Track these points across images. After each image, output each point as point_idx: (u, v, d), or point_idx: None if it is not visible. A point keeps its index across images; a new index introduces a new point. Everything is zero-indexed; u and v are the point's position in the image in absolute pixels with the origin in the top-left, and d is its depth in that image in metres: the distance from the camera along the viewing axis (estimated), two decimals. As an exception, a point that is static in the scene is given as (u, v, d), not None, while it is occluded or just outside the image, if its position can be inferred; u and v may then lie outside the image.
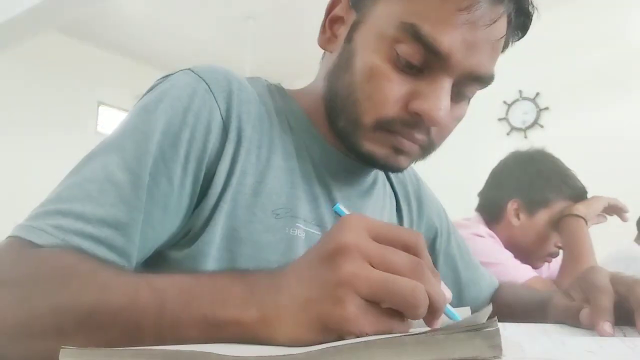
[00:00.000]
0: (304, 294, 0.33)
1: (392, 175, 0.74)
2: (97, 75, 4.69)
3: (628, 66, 3.35)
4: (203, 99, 0.52)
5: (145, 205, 0.47)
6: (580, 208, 1.19)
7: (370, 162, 0.57)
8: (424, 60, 0.51)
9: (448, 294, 0.38)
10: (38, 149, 4.22)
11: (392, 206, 0.72)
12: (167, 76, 0.55)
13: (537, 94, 3.76)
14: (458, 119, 0.57)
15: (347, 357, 0.27)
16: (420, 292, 0.32)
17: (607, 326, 0.44)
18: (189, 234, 0.52)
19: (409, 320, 0.33)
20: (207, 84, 0.53)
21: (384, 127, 0.53)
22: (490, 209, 1.30)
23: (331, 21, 0.59)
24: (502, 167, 1.33)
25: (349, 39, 0.56)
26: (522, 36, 0.57)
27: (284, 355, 0.28)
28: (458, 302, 0.75)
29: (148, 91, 0.55)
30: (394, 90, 0.52)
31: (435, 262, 0.76)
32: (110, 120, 4.77)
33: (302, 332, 0.32)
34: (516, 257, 1.24)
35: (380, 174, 0.71)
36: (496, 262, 1.12)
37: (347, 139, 0.57)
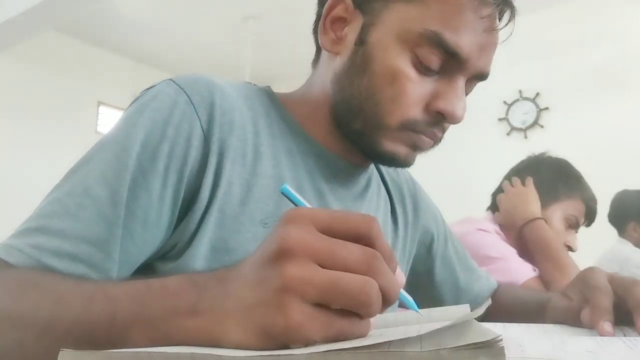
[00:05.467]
0: (247, 299, 0.31)
1: (387, 178, 0.74)
2: (97, 75, 4.69)
3: (628, 66, 3.35)
4: (183, 111, 0.51)
5: (125, 220, 0.47)
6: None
7: (389, 161, 0.59)
8: (442, 63, 0.54)
9: (401, 279, 0.35)
10: (38, 149, 4.22)
11: (387, 208, 0.72)
12: (150, 87, 0.55)
13: (537, 94, 3.76)
14: None
15: None
16: (370, 288, 0.30)
17: (607, 326, 0.44)
18: (175, 247, 0.52)
19: (368, 319, 0.32)
20: (187, 95, 0.52)
21: (409, 127, 0.55)
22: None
23: (332, 22, 0.59)
24: (516, 169, 1.33)
25: (361, 41, 0.56)
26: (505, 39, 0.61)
27: (287, 355, 0.27)
28: (456, 304, 0.75)
29: (132, 102, 0.55)
30: (417, 91, 0.54)
31: (432, 266, 0.77)
32: (110, 120, 4.77)
33: (247, 340, 0.30)
34: (526, 255, 1.25)
35: (375, 177, 0.71)
36: (499, 257, 1.12)
37: (364, 139, 0.58)
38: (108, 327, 0.34)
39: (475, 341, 0.25)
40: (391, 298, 0.31)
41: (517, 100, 3.84)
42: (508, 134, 3.86)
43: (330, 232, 0.32)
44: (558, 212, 1.24)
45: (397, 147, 0.57)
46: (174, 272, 0.50)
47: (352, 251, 0.31)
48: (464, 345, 0.25)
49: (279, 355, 0.27)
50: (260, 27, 4.15)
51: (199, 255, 0.51)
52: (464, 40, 0.52)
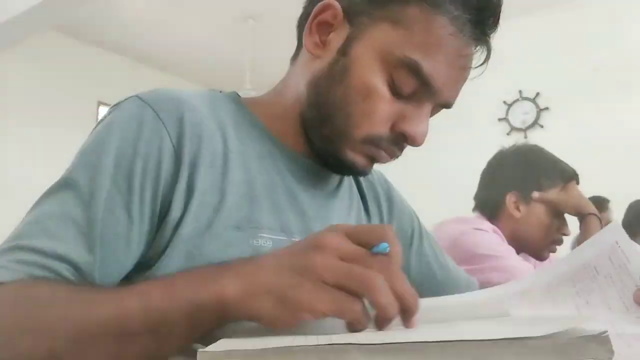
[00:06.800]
0: (277, 274, 0.38)
1: (361, 178, 0.75)
2: (97, 75, 4.68)
3: (628, 66, 3.35)
4: (152, 127, 0.52)
5: (106, 238, 0.48)
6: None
7: (347, 169, 0.62)
8: (415, 89, 0.56)
9: None
10: (38, 149, 4.22)
11: (360, 207, 0.73)
12: (117, 104, 0.56)
13: (537, 94, 3.76)
14: None
15: (469, 352, 0.29)
16: (378, 278, 0.37)
17: None
18: (148, 257, 0.52)
19: (364, 301, 0.37)
20: (155, 111, 0.53)
21: (372, 142, 0.58)
22: (489, 208, 1.32)
23: (318, 25, 0.60)
24: (493, 166, 1.36)
25: (344, 52, 0.57)
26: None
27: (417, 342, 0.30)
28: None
29: (99, 121, 0.55)
30: (386, 110, 0.56)
31: (408, 262, 0.78)
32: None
33: (270, 307, 0.37)
34: (522, 251, 1.26)
35: (346, 176, 0.72)
36: (497, 255, 1.12)
37: (329, 145, 0.60)
38: (144, 315, 0.38)
39: (586, 334, 0.29)
40: (407, 301, 0.38)
41: (517, 100, 3.85)
42: (508, 134, 3.86)
43: (357, 241, 0.39)
44: (544, 206, 1.25)
45: (357, 158, 0.59)
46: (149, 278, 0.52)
47: (371, 258, 0.39)
48: (576, 334, 0.29)
49: (414, 342, 0.30)
50: (260, 27, 4.15)
51: (173, 263, 0.51)
52: (440, 73, 0.55)
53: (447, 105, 0.60)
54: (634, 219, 2.41)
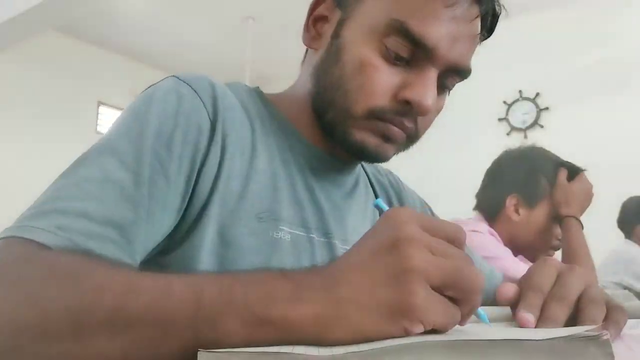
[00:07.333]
0: (368, 283, 0.32)
1: (373, 180, 0.75)
2: (97, 75, 4.69)
3: (628, 66, 3.35)
4: (191, 101, 0.53)
5: (151, 200, 0.47)
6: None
7: (360, 151, 0.58)
8: (412, 54, 0.54)
9: None
10: (38, 149, 4.22)
11: (374, 210, 0.72)
12: (153, 85, 0.56)
13: (537, 94, 3.76)
14: (438, 110, 0.61)
15: (472, 353, 0.29)
16: (481, 280, 0.33)
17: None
18: (175, 236, 0.52)
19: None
20: (193, 88, 0.54)
21: (376, 115, 0.56)
22: (489, 208, 1.31)
23: (315, 20, 0.61)
24: (496, 166, 1.35)
25: (336, 35, 0.58)
26: (488, 37, 0.61)
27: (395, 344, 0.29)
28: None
29: (137, 99, 0.55)
30: (385, 80, 0.55)
31: None
32: (110, 120, 4.77)
33: (369, 322, 0.31)
34: (519, 253, 1.25)
35: (362, 178, 0.72)
36: (493, 257, 1.12)
37: (336, 129, 0.59)
38: (194, 309, 0.32)
39: (585, 335, 0.28)
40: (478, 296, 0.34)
41: (517, 100, 3.84)
42: (508, 134, 3.86)
43: (431, 233, 0.34)
44: (546, 209, 1.25)
45: (366, 137, 0.57)
46: (175, 264, 0.50)
47: (455, 249, 0.34)
48: (575, 336, 0.29)
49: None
50: (260, 27, 4.15)
51: (202, 246, 0.51)
52: (431, 30, 0.53)
53: (458, 67, 0.56)
54: (629, 216, 2.42)
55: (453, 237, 0.35)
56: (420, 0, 0.53)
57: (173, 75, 0.56)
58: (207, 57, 4.78)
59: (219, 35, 4.45)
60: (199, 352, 0.29)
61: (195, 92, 0.54)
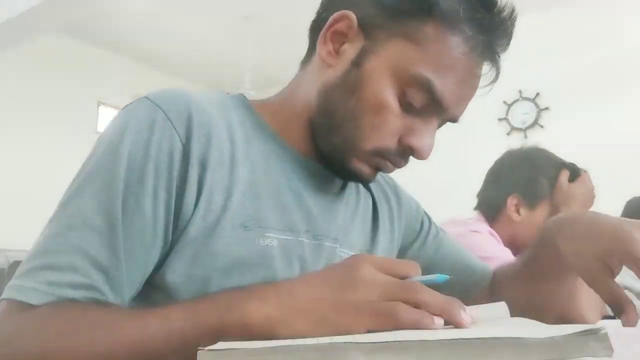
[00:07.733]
0: (315, 293, 0.41)
1: None
2: (97, 75, 4.69)
3: (628, 66, 3.35)
4: (162, 128, 0.53)
5: (125, 243, 0.49)
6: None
7: (350, 177, 0.63)
8: (424, 105, 0.57)
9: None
10: (38, 149, 4.22)
11: (368, 205, 0.74)
12: (127, 106, 0.57)
13: (537, 94, 3.76)
14: None
15: (474, 351, 0.30)
16: (402, 307, 0.39)
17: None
18: (164, 256, 0.54)
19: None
20: (164, 112, 0.54)
21: (380, 154, 0.60)
22: (490, 207, 1.31)
23: (333, 34, 0.60)
24: (498, 166, 1.35)
25: (357, 63, 0.58)
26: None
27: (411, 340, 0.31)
28: (450, 287, 0.76)
29: (110, 123, 0.56)
30: (396, 124, 0.58)
31: (422, 253, 0.79)
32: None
33: (304, 328, 0.39)
34: (519, 253, 1.25)
35: None
36: (491, 256, 1.12)
37: (336, 154, 0.61)
38: (166, 338, 0.42)
39: (584, 329, 0.30)
40: (431, 303, 0.40)
41: (517, 100, 3.85)
42: (508, 134, 3.86)
43: (383, 271, 0.43)
44: (546, 210, 1.25)
45: (363, 167, 0.61)
46: (157, 279, 0.53)
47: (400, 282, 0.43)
48: (574, 333, 0.30)
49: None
50: (260, 27, 4.15)
51: (179, 265, 0.52)
52: (451, 91, 0.56)
53: (454, 120, 0.61)
54: (631, 216, 2.42)
55: (404, 275, 0.44)
56: (449, 62, 0.56)
57: (145, 97, 0.56)
58: (207, 57, 4.78)
59: (219, 36, 4.45)
60: (198, 351, 0.29)
61: (167, 115, 0.53)
